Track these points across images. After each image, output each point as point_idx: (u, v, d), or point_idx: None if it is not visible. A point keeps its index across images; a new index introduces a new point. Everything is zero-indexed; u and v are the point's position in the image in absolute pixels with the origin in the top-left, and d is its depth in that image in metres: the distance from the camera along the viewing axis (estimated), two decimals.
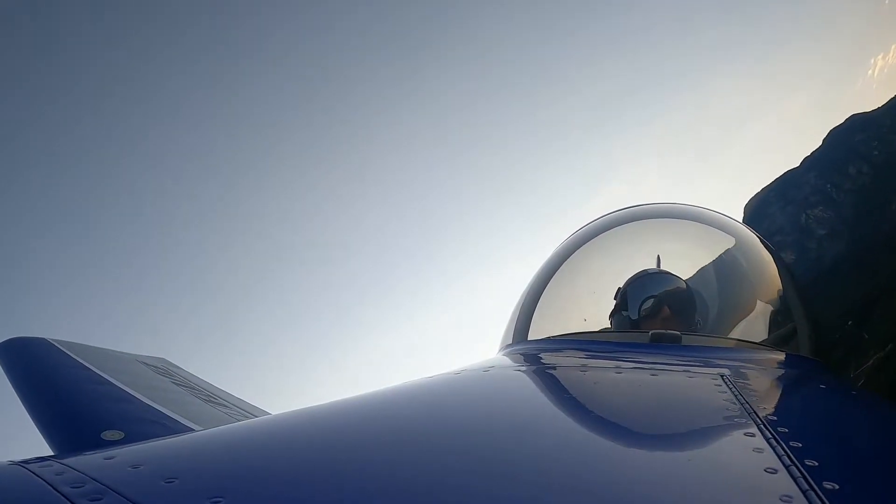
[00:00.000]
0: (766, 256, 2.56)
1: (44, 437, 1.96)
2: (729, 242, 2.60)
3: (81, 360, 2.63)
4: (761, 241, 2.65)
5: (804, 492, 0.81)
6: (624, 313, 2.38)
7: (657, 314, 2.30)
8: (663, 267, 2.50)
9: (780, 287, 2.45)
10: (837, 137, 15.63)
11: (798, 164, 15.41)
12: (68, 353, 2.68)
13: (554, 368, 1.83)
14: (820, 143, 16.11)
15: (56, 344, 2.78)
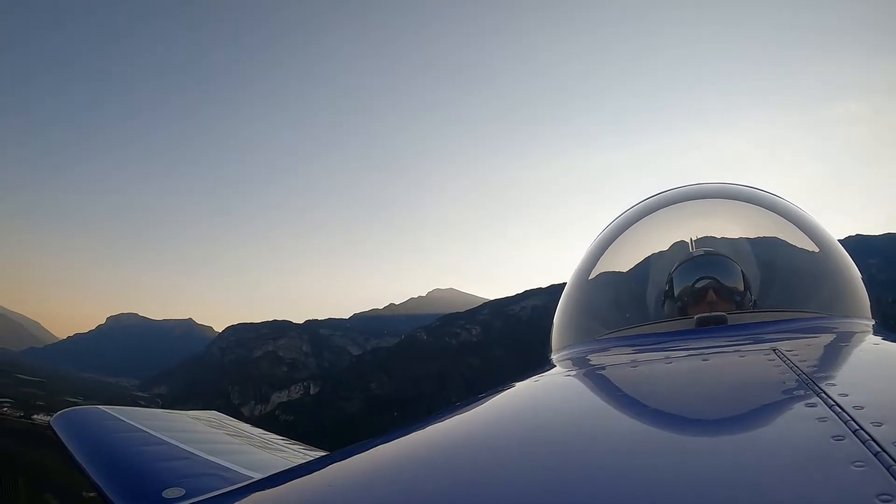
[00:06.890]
0: (810, 225, 2.48)
1: (106, 501, 2.00)
2: (767, 216, 2.55)
3: (135, 424, 2.69)
4: (803, 212, 2.58)
5: (876, 454, 0.78)
6: (672, 299, 2.36)
7: (703, 297, 2.27)
8: (706, 248, 2.46)
9: (827, 253, 2.38)
10: None
11: None
12: (122, 418, 2.74)
13: (603, 369, 1.81)
14: None
15: (109, 411, 2.85)
